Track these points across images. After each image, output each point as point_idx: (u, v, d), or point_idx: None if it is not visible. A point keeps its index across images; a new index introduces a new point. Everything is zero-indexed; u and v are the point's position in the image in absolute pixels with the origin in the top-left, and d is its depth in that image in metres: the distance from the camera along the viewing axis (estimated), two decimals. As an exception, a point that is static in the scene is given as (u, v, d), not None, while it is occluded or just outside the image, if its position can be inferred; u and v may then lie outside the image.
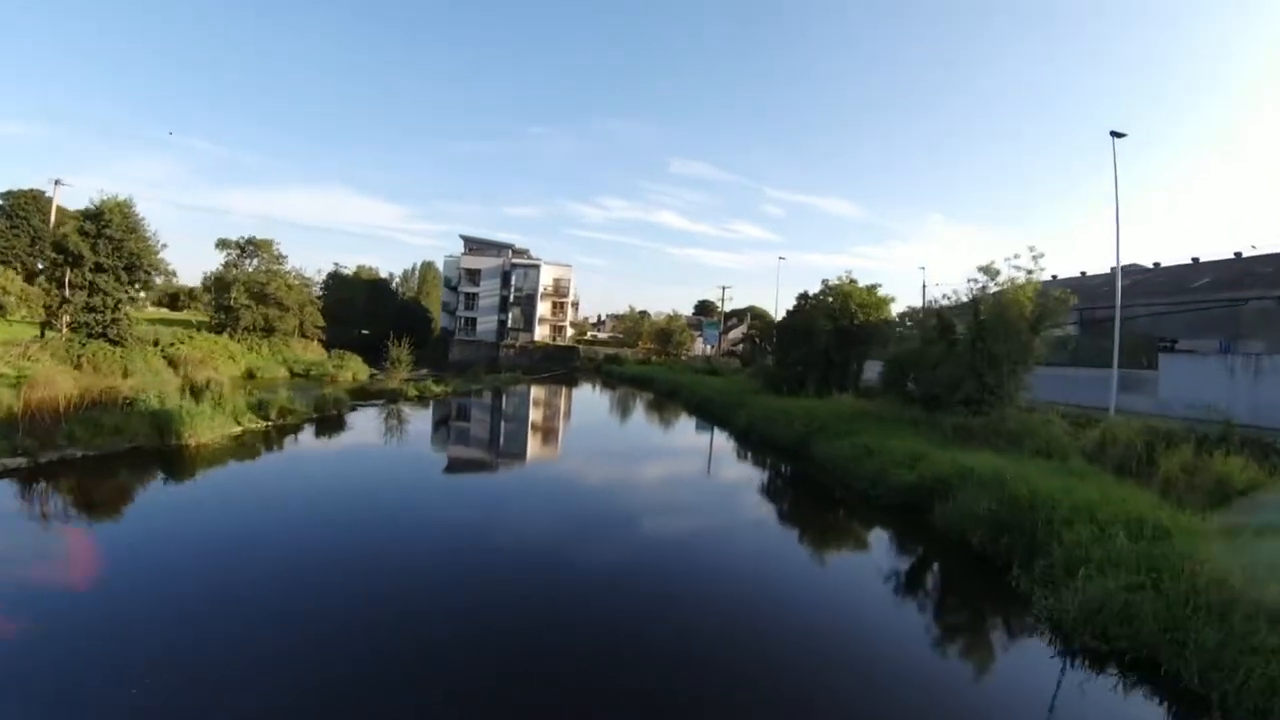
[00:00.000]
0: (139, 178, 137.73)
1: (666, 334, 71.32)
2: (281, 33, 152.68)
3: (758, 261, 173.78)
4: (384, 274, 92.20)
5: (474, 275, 69.82)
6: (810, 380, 27.97)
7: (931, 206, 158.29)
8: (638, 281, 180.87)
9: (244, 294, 44.96)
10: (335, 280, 79.49)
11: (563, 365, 64.79)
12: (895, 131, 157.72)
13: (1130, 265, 38.04)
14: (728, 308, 73.57)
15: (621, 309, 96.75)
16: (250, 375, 38.16)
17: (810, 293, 30.73)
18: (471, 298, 69.87)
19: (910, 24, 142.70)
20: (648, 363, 63.30)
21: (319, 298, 72.72)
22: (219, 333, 42.80)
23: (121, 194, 29.84)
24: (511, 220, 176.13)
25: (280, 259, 50.93)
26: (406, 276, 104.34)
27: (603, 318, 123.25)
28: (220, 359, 37.63)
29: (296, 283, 52.17)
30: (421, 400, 29.83)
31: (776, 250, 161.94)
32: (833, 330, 27.82)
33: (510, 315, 69.21)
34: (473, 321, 69.46)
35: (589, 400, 43.92)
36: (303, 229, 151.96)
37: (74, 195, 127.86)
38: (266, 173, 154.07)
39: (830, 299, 28.84)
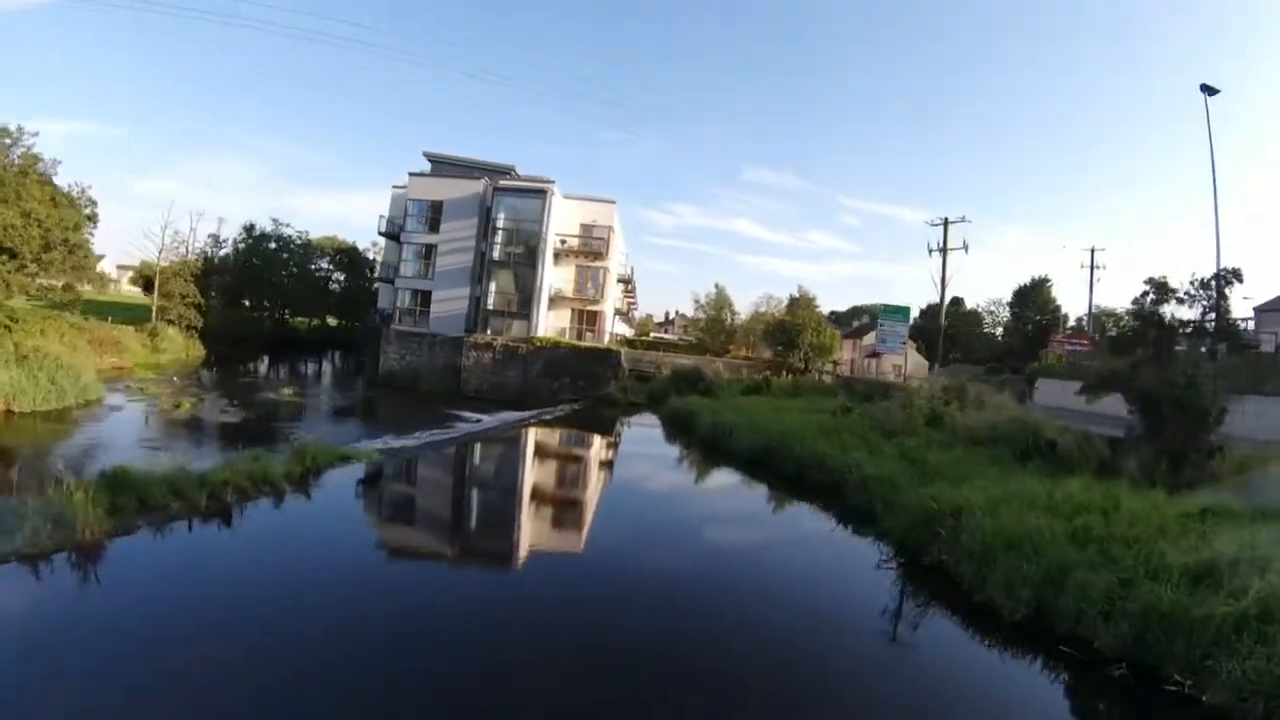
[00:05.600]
0: (208, 179, 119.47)
1: (790, 333, 37.00)
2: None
3: (830, 271, 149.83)
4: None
5: (431, 213, 36.47)
6: None
7: (1011, 216, 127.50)
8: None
9: None
10: (259, 242, 50.45)
11: (584, 385, 32.27)
12: (971, 139, 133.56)
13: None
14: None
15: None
16: None
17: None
18: (426, 254, 36.81)
19: (995, 28, 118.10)
20: (762, 389, 29.50)
21: (201, 262, 45.71)
22: None
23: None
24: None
25: (30, 162, 24.47)
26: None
27: (671, 315, 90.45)
28: None
29: (57, 204, 24.23)
30: None
31: (851, 260, 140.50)
32: None
33: (493, 286, 35.72)
34: (425, 298, 36.28)
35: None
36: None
37: (134, 195, 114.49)
38: (338, 178, 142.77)
39: None
